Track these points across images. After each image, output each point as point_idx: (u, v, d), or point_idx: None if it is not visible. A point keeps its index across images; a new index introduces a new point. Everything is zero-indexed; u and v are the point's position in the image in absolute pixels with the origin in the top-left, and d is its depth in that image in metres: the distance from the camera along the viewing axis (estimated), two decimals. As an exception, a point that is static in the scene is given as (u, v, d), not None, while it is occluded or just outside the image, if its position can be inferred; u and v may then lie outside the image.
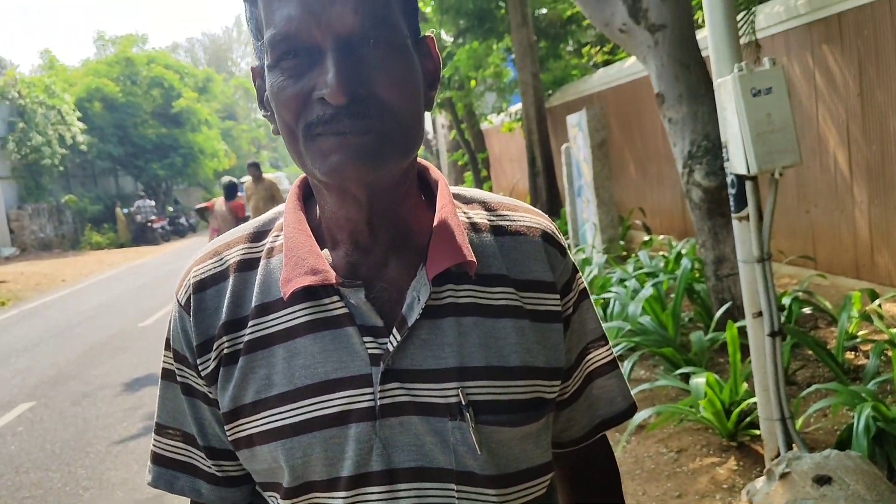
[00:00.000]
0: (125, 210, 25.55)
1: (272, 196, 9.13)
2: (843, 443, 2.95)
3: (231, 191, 9.01)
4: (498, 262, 0.85)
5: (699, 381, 3.48)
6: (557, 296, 0.87)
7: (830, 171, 5.55)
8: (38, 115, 22.56)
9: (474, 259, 0.81)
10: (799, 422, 3.22)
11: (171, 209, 28.51)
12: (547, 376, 0.85)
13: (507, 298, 0.84)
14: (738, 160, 2.84)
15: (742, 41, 5.24)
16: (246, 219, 9.70)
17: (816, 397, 3.54)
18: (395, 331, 0.79)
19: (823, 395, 3.54)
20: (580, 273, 0.94)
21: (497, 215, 0.89)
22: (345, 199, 0.81)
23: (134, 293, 12.62)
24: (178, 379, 0.88)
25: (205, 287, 0.86)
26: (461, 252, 0.80)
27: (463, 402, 0.79)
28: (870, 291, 4.67)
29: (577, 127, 7.96)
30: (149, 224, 24.66)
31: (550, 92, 12.54)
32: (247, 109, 50.73)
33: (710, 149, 4.41)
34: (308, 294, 0.81)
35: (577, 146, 8.15)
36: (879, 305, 4.41)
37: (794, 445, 2.94)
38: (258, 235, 0.89)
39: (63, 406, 6.07)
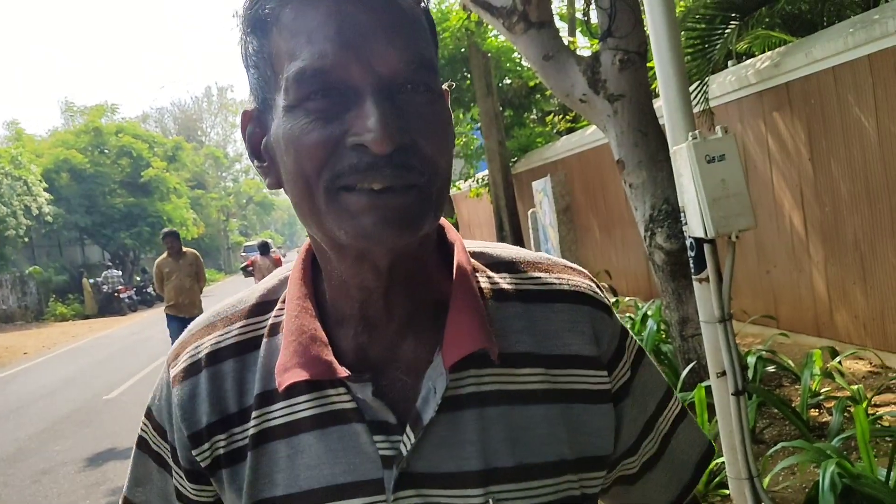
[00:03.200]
0: (91, 280, 25.21)
1: (197, 273, 8.24)
2: (811, 501, 2.98)
3: (265, 247, 10.78)
4: (526, 337, 0.74)
5: (668, 441, 3.51)
6: (604, 371, 0.75)
7: (787, 233, 5.73)
8: (3, 185, 22.39)
9: (495, 344, 0.70)
10: (767, 480, 3.25)
11: (138, 278, 28.19)
12: (589, 468, 0.74)
13: (537, 381, 0.72)
14: (695, 224, 2.94)
15: (697, 109, 5.47)
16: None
17: (783, 455, 3.58)
18: (408, 429, 0.69)
19: (790, 452, 3.58)
20: (630, 333, 0.82)
21: (526, 279, 0.77)
22: (361, 266, 0.70)
23: (99, 365, 12.36)
24: (153, 449, 0.82)
25: (198, 370, 0.76)
26: (481, 336, 0.69)
27: None
28: (830, 349, 4.78)
29: (542, 192, 8.14)
30: (115, 294, 24.32)
31: (516, 158, 12.82)
32: (216, 178, 50.84)
33: (671, 212, 4.54)
34: (311, 385, 0.71)
35: (542, 211, 8.32)
36: (840, 363, 4.51)
37: (762, 504, 2.96)
38: (262, 307, 0.79)
39: (23, 484, 5.87)
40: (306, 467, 0.71)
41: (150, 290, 26.54)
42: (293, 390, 0.71)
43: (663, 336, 5.46)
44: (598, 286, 0.81)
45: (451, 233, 0.80)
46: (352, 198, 0.64)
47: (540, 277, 0.78)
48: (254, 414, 0.73)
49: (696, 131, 2.90)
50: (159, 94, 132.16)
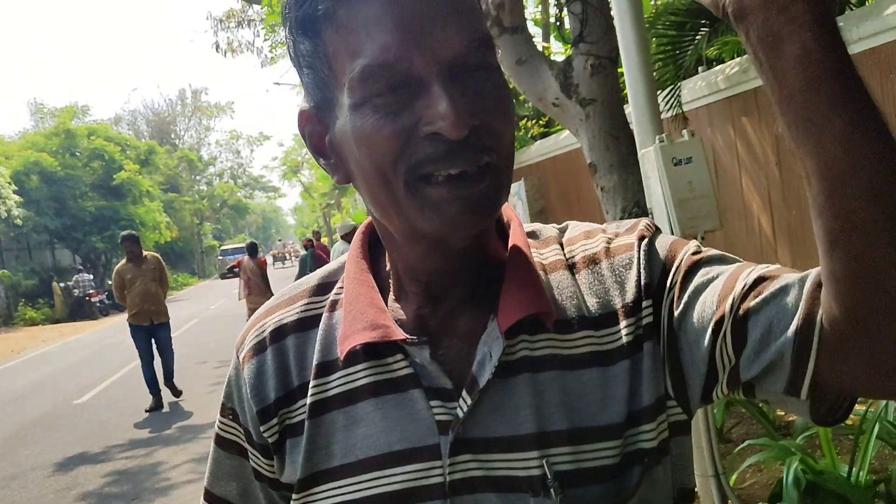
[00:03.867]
0: (62, 284, 24.85)
1: (161, 277, 7.90)
2: (776, 496, 3.05)
3: (253, 249, 10.55)
4: (577, 303, 0.74)
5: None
6: (649, 300, 0.72)
7: (756, 235, 5.83)
8: (-29, 188, 22.07)
9: (552, 308, 0.71)
10: (733, 477, 3.31)
11: (110, 282, 27.83)
12: (648, 419, 0.71)
13: (591, 344, 0.72)
14: (662, 226, 3.00)
15: (669, 114, 5.55)
16: (266, 274, 10.10)
17: (750, 453, 3.65)
18: (464, 393, 0.70)
19: (756, 450, 3.65)
20: (691, 241, 0.76)
21: (576, 247, 0.78)
22: (434, 252, 0.72)
23: (69, 369, 12.20)
24: (229, 439, 0.83)
25: (264, 348, 0.79)
26: (537, 301, 0.71)
27: (549, 475, 0.68)
28: (797, 349, 4.88)
29: (516, 196, 8.20)
30: (87, 298, 23.99)
31: (491, 162, 12.87)
32: (190, 181, 50.38)
33: (641, 215, 4.60)
34: (369, 353, 0.73)
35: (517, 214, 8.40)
36: (806, 363, 4.60)
37: (728, 501, 3.03)
38: (323, 288, 0.82)
39: (-10, 489, 5.80)
40: (363, 436, 0.72)
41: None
42: (352, 359, 0.73)
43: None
44: (649, 227, 0.77)
45: (509, 210, 0.81)
46: (433, 189, 0.65)
47: (587, 244, 0.78)
48: (312, 384, 0.75)
49: (664, 134, 2.96)
50: (132, 96, 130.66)
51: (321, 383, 0.75)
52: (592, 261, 0.76)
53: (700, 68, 6.39)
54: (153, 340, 7.89)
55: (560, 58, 7.55)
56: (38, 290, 25.30)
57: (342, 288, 0.79)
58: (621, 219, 4.58)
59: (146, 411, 7.86)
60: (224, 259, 48.53)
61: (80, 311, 23.93)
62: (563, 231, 0.82)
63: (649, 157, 2.99)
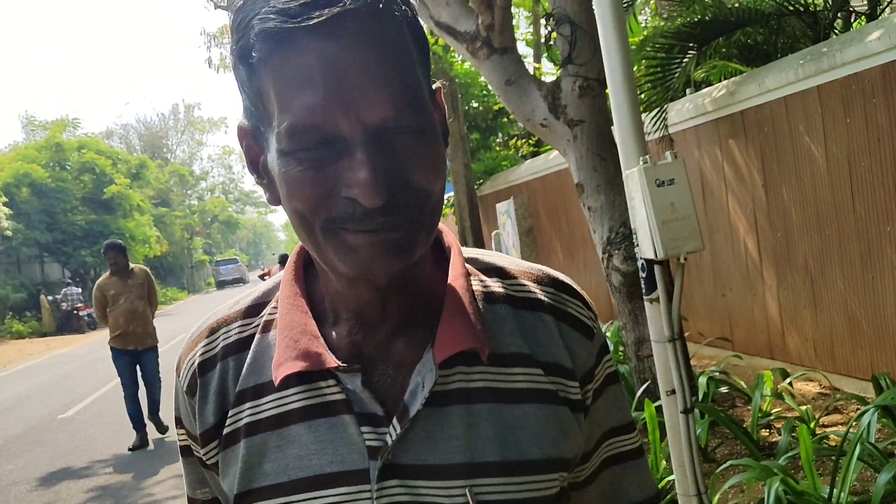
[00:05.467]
0: (50, 297, 24.68)
1: (149, 294, 6.97)
2: (757, 517, 3.06)
3: (284, 259, 10.13)
4: (518, 339, 0.77)
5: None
6: (577, 383, 0.78)
7: (742, 257, 5.87)
8: (-40, 200, 21.97)
9: (486, 345, 0.73)
10: (716, 497, 3.32)
11: (98, 296, 27.65)
12: (570, 467, 0.78)
13: (532, 381, 0.75)
14: (646, 246, 3.02)
15: (656, 136, 5.61)
16: None
17: (733, 473, 3.66)
18: (395, 420, 0.72)
19: (739, 470, 3.66)
20: (609, 354, 0.85)
21: (516, 285, 0.81)
22: (359, 285, 0.74)
23: (55, 383, 12.12)
24: (191, 449, 0.84)
25: (204, 370, 0.80)
26: (474, 334, 0.73)
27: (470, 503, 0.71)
28: (781, 370, 4.91)
29: (505, 214, 8.24)
30: (75, 312, 23.82)
31: (481, 181, 12.95)
32: (181, 195, 50.31)
33: (627, 235, 4.64)
34: (302, 377, 0.74)
35: (506, 232, 8.42)
36: (790, 384, 4.62)
37: (710, 520, 3.03)
38: (255, 308, 0.82)
39: (-29, 504, 5.74)
40: (295, 457, 0.73)
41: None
42: (286, 383, 0.74)
43: (621, 356, 5.55)
44: (585, 303, 0.83)
45: (448, 237, 0.82)
46: (349, 235, 0.66)
47: (527, 286, 0.81)
48: (246, 406, 0.76)
49: (647, 156, 3.00)
50: (124, 111, 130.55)
51: (254, 405, 0.76)
52: (537, 306, 0.79)
53: (688, 90, 6.46)
54: (138, 367, 6.93)
55: (551, 78, 7.63)
56: (27, 304, 25.13)
57: (276, 308, 0.80)
58: (608, 239, 4.61)
59: (129, 450, 6.84)
60: (218, 269, 48.82)
61: (67, 324, 23.76)
62: (505, 262, 0.84)
63: (633, 178, 3.02)
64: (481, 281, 0.80)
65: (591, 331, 0.82)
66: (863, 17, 6.16)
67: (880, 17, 5.64)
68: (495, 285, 0.80)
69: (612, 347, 5.21)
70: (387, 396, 0.73)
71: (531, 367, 0.76)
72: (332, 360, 0.72)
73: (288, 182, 0.67)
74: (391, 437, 0.71)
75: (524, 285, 0.81)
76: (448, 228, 0.84)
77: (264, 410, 0.76)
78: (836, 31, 5.83)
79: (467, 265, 0.81)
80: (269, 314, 0.80)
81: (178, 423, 0.85)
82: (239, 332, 0.80)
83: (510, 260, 0.85)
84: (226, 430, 0.78)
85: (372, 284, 0.72)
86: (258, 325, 0.80)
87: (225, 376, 0.79)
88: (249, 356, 0.78)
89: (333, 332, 0.77)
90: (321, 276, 0.78)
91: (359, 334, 0.76)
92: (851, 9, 6.23)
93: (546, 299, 0.80)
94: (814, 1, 5.87)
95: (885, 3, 6.06)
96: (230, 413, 0.78)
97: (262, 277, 12.12)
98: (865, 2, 6.13)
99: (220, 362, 0.79)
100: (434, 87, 0.74)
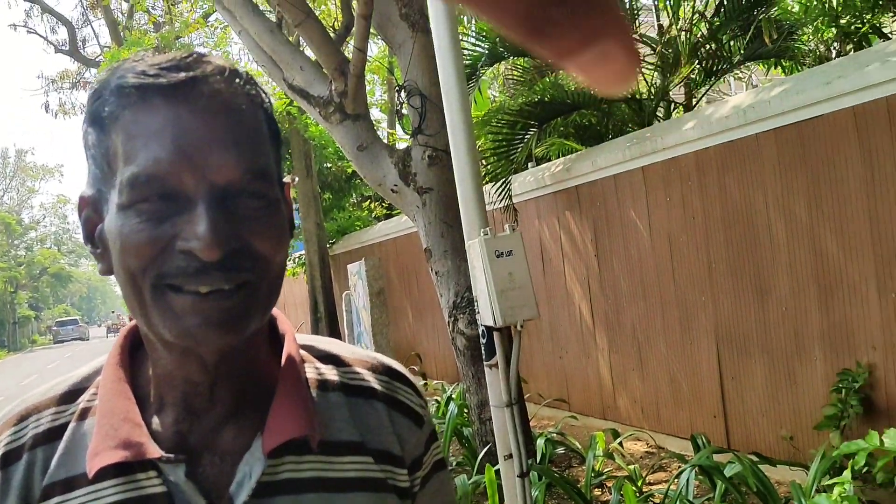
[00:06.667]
0: None
1: None
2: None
3: None
4: (350, 427, 0.77)
5: (462, 523, 3.63)
6: (405, 471, 0.79)
7: (577, 322, 6.22)
8: None
9: (317, 432, 0.73)
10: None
11: None
12: None
13: (362, 469, 0.75)
14: (486, 313, 3.17)
15: (501, 205, 5.90)
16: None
17: (566, 532, 3.81)
18: None
19: (573, 530, 3.82)
20: (438, 441, 0.86)
21: (350, 373, 0.81)
22: (187, 360, 0.71)
23: None
24: None
25: (8, 462, 0.73)
26: (304, 422, 0.72)
27: None
28: (613, 430, 5.19)
29: (356, 275, 8.27)
30: None
31: (334, 240, 12.95)
32: (7, 246, 46.43)
33: (472, 300, 4.80)
34: (120, 469, 0.69)
35: (357, 294, 8.43)
36: (621, 444, 4.90)
37: (543, 580, 3.14)
38: (72, 395, 0.76)
39: None
40: None
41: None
42: (101, 476, 0.69)
43: (465, 419, 5.66)
44: (417, 391, 0.85)
45: (284, 323, 0.82)
46: (177, 298, 0.65)
47: (360, 374, 0.81)
48: (53, 502, 0.70)
49: (487, 228, 3.17)
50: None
51: (64, 500, 0.70)
52: (371, 394, 0.80)
53: (530, 164, 6.86)
54: None
55: (405, 144, 7.85)
56: None
57: (95, 394, 0.75)
58: (454, 303, 4.75)
59: None
60: (59, 330, 45.51)
61: None
62: (341, 349, 0.85)
63: (474, 249, 3.18)
64: (316, 368, 0.80)
65: (422, 418, 0.83)
66: (681, 108, 6.84)
67: (695, 108, 6.30)
68: (330, 373, 0.80)
69: (456, 410, 5.32)
70: (212, 488, 0.70)
71: (362, 454, 0.76)
72: (154, 450, 0.69)
73: (123, 236, 0.66)
74: None
75: (358, 373, 0.81)
76: (283, 315, 0.84)
77: None
78: (659, 118, 6.44)
79: (302, 352, 0.81)
80: (88, 401, 0.75)
81: None
82: (52, 421, 0.74)
83: (346, 347, 0.85)
84: None
85: (202, 361, 0.70)
86: (74, 413, 0.74)
87: (31, 469, 0.72)
88: (61, 446, 0.72)
89: (158, 420, 0.73)
90: (150, 355, 0.75)
91: (185, 422, 0.73)
92: (671, 99, 6.91)
93: (379, 387, 0.81)
94: (639, 90, 6.45)
95: (700, 96, 6.78)
96: None
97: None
98: (683, 93, 6.83)
99: (27, 453, 0.73)
100: (284, 180, 0.75)
